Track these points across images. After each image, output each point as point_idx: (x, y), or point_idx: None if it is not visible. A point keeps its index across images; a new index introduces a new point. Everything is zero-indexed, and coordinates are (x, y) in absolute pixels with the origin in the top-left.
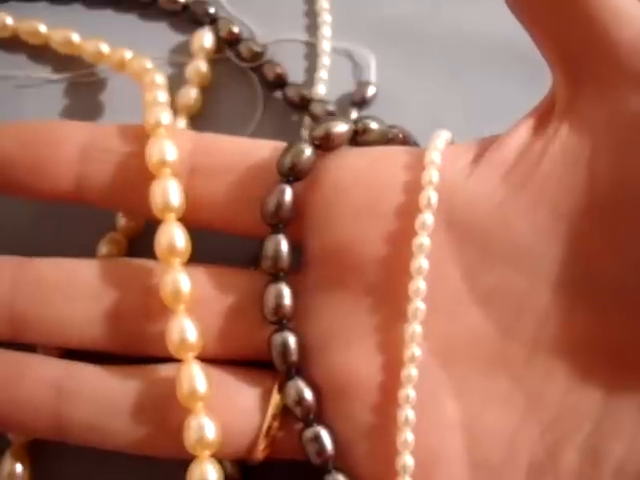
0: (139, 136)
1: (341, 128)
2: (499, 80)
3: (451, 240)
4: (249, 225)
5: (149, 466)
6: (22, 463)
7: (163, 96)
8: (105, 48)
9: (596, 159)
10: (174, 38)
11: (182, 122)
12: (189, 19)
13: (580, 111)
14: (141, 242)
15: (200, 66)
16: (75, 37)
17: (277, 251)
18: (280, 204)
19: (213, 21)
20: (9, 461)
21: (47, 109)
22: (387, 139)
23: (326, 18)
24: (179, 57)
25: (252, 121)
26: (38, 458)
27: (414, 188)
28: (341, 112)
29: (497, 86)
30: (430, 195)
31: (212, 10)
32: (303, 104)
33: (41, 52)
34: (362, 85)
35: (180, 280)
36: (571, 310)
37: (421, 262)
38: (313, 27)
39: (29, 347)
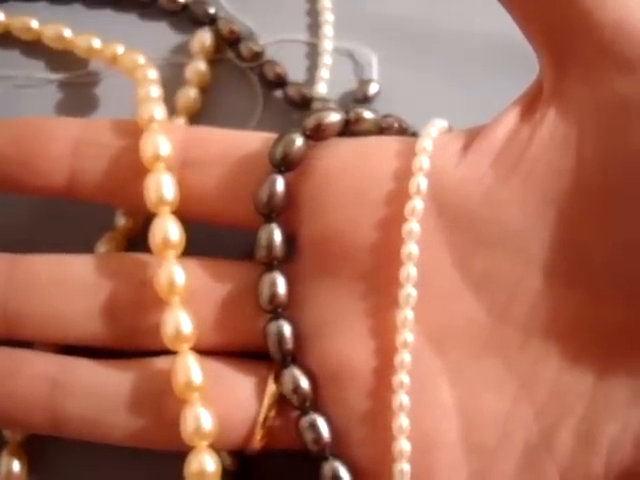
0: (131, 131)
1: (332, 118)
2: (500, 78)
3: (441, 226)
4: (242, 216)
5: (146, 461)
6: (19, 461)
7: (156, 91)
8: (97, 43)
9: (583, 143)
10: (174, 38)
11: (182, 122)
12: (189, 19)
13: (566, 95)
14: (140, 241)
15: (200, 66)
16: (67, 33)
17: (270, 240)
18: (272, 194)
19: (213, 21)
20: (6, 459)
21: (45, 109)
22: (381, 128)
23: (328, 17)
24: (179, 57)
25: (252, 121)
26: (35, 456)
27: (404, 175)
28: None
29: (497, 84)
30: (420, 181)
31: (212, 10)
32: (304, 103)
33: (38, 50)
34: (364, 82)
35: (174, 272)
36: (563, 293)
37: (411, 248)
38: (314, 26)
39: (24, 344)
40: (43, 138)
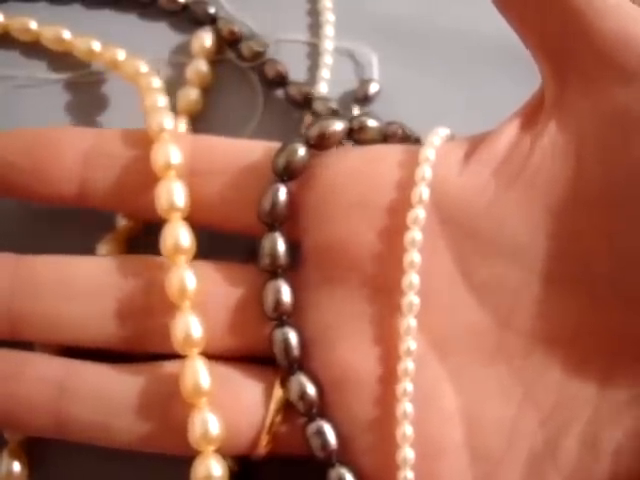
0: (140, 141)
1: (336, 127)
2: (500, 79)
3: (444, 235)
4: (247, 224)
5: (149, 463)
6: (19, 461)
7: (162, 100)
8: (97, 46)
9: (584, 153)
10: (174, 38)
11: (183, 123)
12: (189, 19)
13: (568, 105)
14: (140, 242)
15: (200, 66)
16: (66, 34)
17: (274, 249)
18: (275, 203)
19: (213, 21)
20: (6, 460)
21: (47, 109)
22: (385, 136)
23: (329, 17)
24: (179, 57)
25: (252, 121)
26: (35, 456)
27: (407, 184)
28: (343, 110)
29: (498, 85)
30: (422, 191)
31: (212, 10)
32: (305, 102)
33: (38, 50)
34: (365, 82)
35: (186, 277)
36: (565, 302)
37: (413, 256)
38: (315, 26)
39: (30, 347)
40: (54, 148)
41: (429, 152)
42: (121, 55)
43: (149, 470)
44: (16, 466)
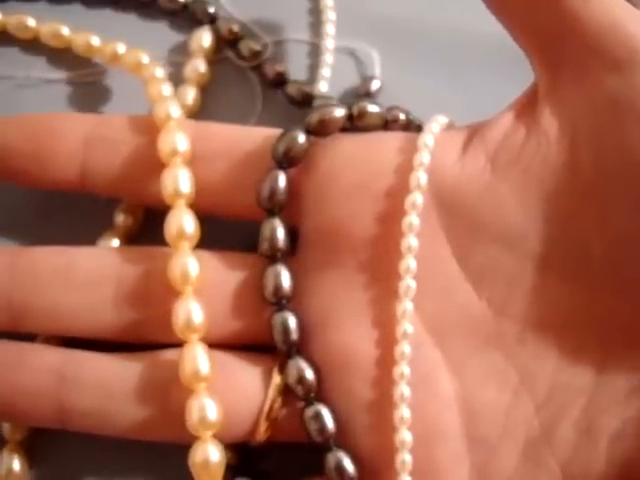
0: (143, 127)
1: (336, 113)
2: (499, 77)
3: (441, 220)
4: (247, 209)
5: (147, 462)
6: (19, 460)
7: (167, 89)
8: (96, 41)
9: (578, 140)
10: (174, 38)
11: None
12: (189, 19)
13: (560, 94)
14: (139, 240)
15: (198, 65)
16: (65, 30)
17: (273, 234)
18: (274, 190)
19: (213, 20)
20: (7, 458)
21: (46, 109)
22: (386, 121)
23: (330, 16)
24: (178, 57)
25: (251, 120)
26: (35, 454)
27: (406, 170)
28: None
29: (497, 83)
30: (420, 176)
31: (212, 9)
32: (305, 101)
33: (38, 51)
34: (367, 79)
35: (189, 263)
36: (559, 288)
37: (411, 241)
38: (316, 25)
39: (29, 338)
40: (56, 133)
41: (428, 138)
42: (121, 48)
43: (147, 469)
44: (16, 464)
